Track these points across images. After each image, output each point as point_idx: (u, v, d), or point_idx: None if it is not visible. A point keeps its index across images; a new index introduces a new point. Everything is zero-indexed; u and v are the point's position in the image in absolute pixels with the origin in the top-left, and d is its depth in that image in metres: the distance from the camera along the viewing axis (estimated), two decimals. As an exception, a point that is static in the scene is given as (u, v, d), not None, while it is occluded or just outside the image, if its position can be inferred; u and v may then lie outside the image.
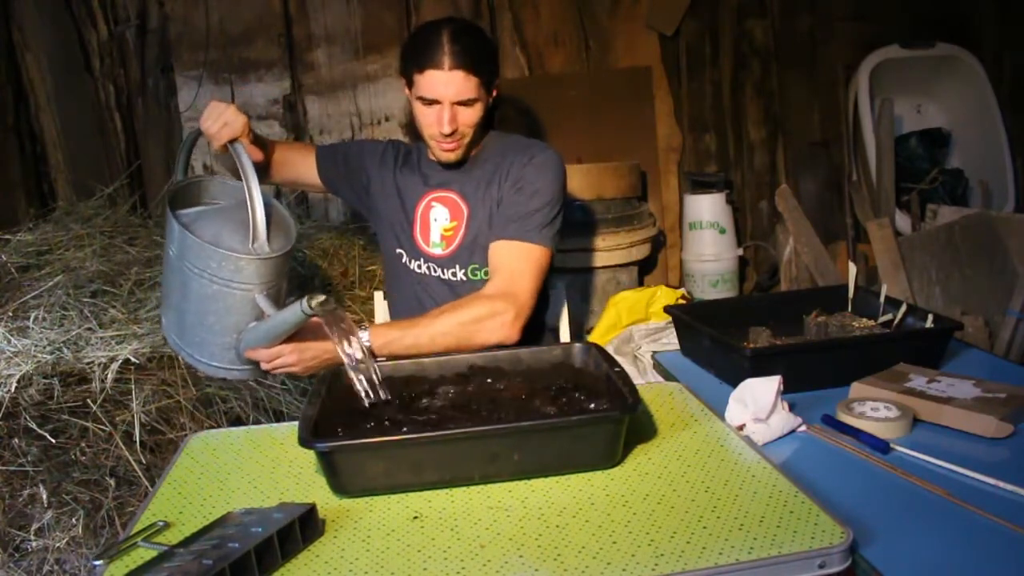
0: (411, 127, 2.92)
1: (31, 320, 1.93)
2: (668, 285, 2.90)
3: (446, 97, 1.54)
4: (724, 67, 3.47)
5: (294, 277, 2.39)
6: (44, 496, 1.73)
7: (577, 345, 1.38)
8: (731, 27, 3.44)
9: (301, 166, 1.80)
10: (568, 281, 2.33)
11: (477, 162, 1.69)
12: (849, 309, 1.66)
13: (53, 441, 1.74)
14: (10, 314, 1.96)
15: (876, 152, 3.21)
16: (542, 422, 1.10)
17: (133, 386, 1.83)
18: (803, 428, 1.25)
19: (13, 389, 1.72)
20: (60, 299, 2.01)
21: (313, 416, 1.13)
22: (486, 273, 1.65)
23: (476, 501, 1.04)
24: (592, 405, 1.17)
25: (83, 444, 1.78)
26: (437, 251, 1.70)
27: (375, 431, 1.14)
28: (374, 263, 2.63)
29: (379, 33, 3.25)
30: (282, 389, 2.04)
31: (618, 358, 1.90)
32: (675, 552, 0.89)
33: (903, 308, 1.54)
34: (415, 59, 1.56)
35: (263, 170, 1.66)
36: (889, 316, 1.55)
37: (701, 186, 3.42)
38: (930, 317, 1.48)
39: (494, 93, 1.63)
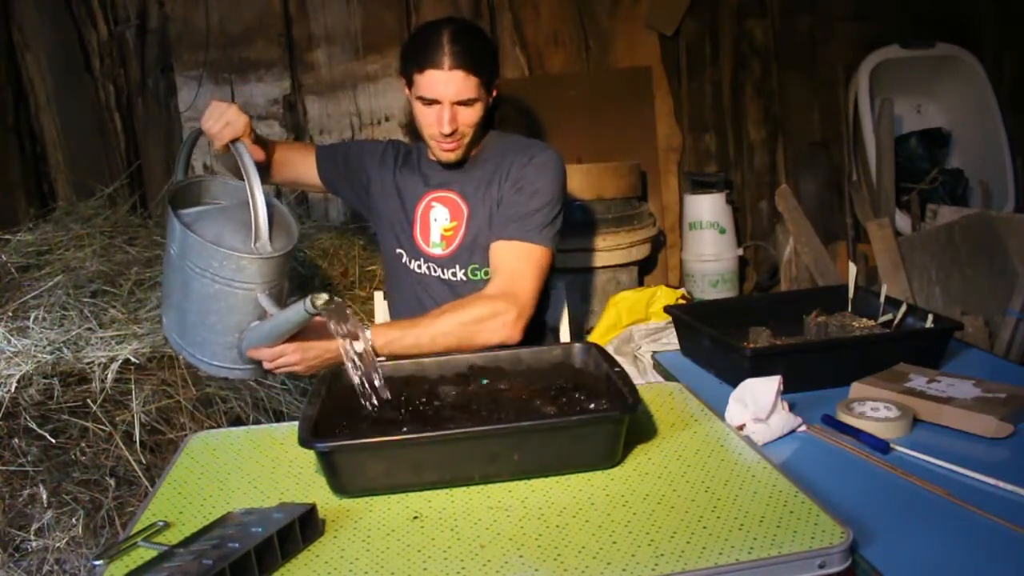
0: (411, 127, 2.92)
1: (31, 320, 1.93)
2: (668, 285, 2.90)
3: (446, 97, 1.54)
4: (724, 67, 3.48)
5: (294, 277, 2.39)
6: (44, 496, 1.73)
7: (577, 345, 1.38)
8: (731, 27, 3.44)
9: (301, 166, 1.80)
10: (568, 281, 2.33)
11: (477, 162, 1.69)
12: (849, 309, 1.66)
13: (53, 441, 1.74)
14: (10, 314, 1.96)
15: (876, 152, 3.21)
16: (542, 422, 1.10)
17: (133, 386, 1.83)
18: (803, 428, 1.25)
19: (13, 389, 1.72)
20: (60, 299, 2.01)
21: (313, 416, 1.13)
22: (486, 273, 1.65)
23: (476, 501, 1.04)
24: (592, 405, 1.17)
25: (83, 444, 1.78)
26: (437, 251, 1.70)
27: (375, 431, 1.14)
28: (374, 263, 2.63)
29: (379, 33, 3.25)
30: (282, 389, 2.04)
31: (618, 358, 1.90)
32: (675, 552, 0.89)
33: (903, 308, 1.54)
34: (415, 59, 1.56)
35: (264, 170, 1.66)
36: (889, 316, 1.55)
37: (701, 186, 3.42)
38: (930, 317, 1.48)
39: (494, 93, 1.63)
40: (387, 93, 3.28)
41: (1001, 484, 1.04)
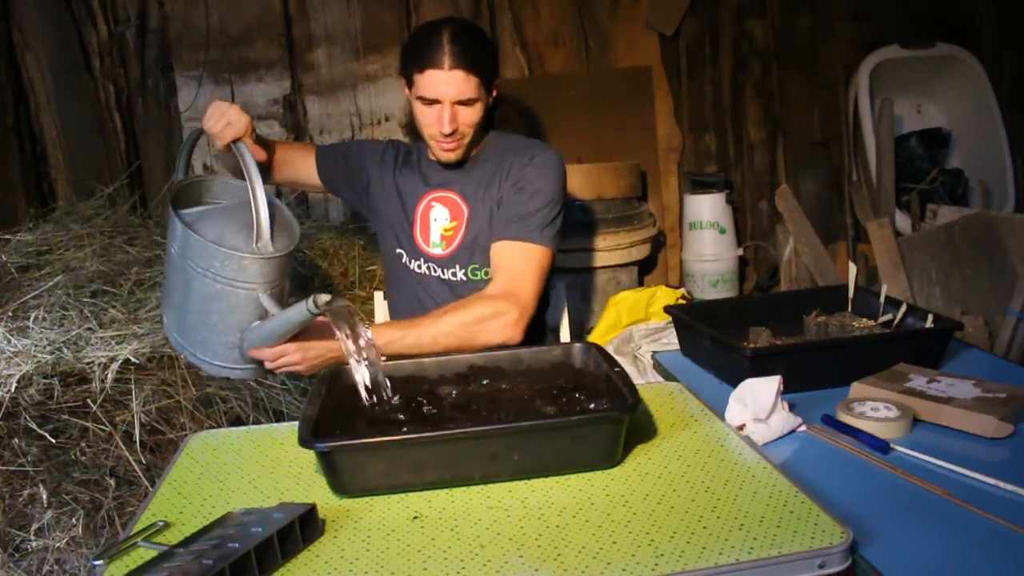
0: (411, 127, 2.92)
1: (31, 320, 1.93)
2: (668, 285, 2.90)
3: (446, 97, 1.54)
4: (724, 67, 3.48)
5: (294, 277, 2.39)
6: (44, 496, 1.73)
7: (577, 345, 1.37)
8: (731, 27, 3.44)
9: (301, 166, 1.80)
10: (568, 281, 2.33)
11: (477, 162, 1.69)
12: (849, 309, 1.66)
13: (53, 441, 1.74)
14: (10, 314, 1.96)
15: (876, 152, 3.21)
16: (542, 422, 1.10)
17: (133, 386, 1.83)
18: (803, 428, 1.25)
19: (13, 389, 1.72)
20: (60, 299, 2.01)
21: (313, 416, 1.13)
22: (486, 273, 1.65)
23: (476, 501, 1.04)
24: (592, 405, 1.17)
25: (83, 444, 1.78)
26: (437, 251, 1.70)
27: (375, 431, 1.14)
28: (374, 263, 2.63)
29: (379, 33, 3.25)
30: (282, 389, 2.04)
31: (618, 358, 1.90)
32: (675, 552, 0.89)
33: (903, 308, 1.54)
34: (415, 59, 1.56)
35: (265, 170, 1.66)
36: (889, 316, 1.55)
37: (701, 186, 3.42)
38: (930, 317, 1.48)
39: (494, 93, 1.63)
40: (387, 93, 3.28)
41: (1001, 484, 1.03)
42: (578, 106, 3.32)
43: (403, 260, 1.73)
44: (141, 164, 3.21)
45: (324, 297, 1.23)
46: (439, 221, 1.69)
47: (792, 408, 1.25)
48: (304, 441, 1.05)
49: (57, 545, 1.72)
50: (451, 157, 1.63)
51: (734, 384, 1.27)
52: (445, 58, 1.52)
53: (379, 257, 2.54)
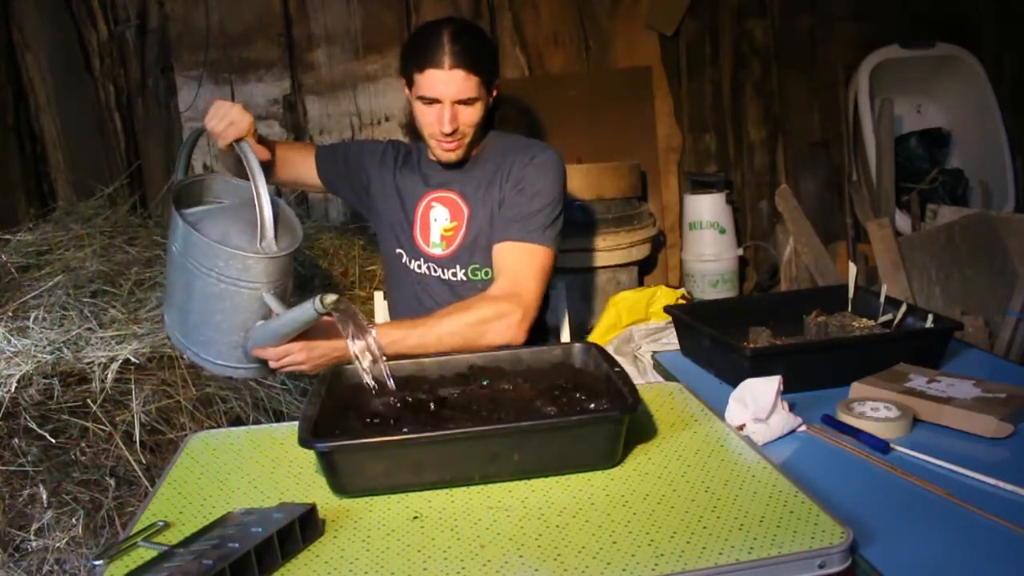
0: (411, 127, 2.91)
1: (31, 320, 1.93)
2: (668, 285, 2.90)
3: (446, 96, 1.54)
4: (724, 67, 3.48)
5: (294, 277, 2.39)
6: (44, 496, 1.73)
7: (577, 345, 1.37)
8: (731, 27, 3.44)
9: (301, 166, 1.80)
10: (568, 281, 2.33)
11: (477, 162, 1.69)
12: (849, 309, 1.66)
13: (53, 441, 1.74)
14: (10, 314, 1.96)
15: (876, 152, 3.21)
16: (542, 422, 1.10)
17: (133, 386, 1.83)
18: (803, 428, 1.25)
19: (13, 389, 1.72)
20: (60, 299, 2.01)
21: (313, 416, 1.13)
22: (486, 273, 1.65)
23: (476, 501, 1.04)
24: (592, 405, 1.17)
25: (83, 444, 1.78)
26: (437, 251, 1.70)
27: (375, 431, 1.14)
28: (374, 263, 2.63)
29: (379, 33, 3.25)
30: (282, 389, 2.04)
31: (618, 358, 1.90)
32: (675, 552, 0.89)
33: (903, 308, 1.54)
34: (415, 59, 1.56)
35: (267, 169, 1.66)
36: (889, 316, 1.55)
37: (701, 186, 3.42)
38: (930, 317, 1.48)
39: (494, 93, 1.63)
40: (387, 93, 3.28)
41: (1001, 484, 1.04)
42: (578, 106, 3.32)
43: (403, 260, 1.73)
44: (141, 164, 3.21)
45: (330, 297, 1.23)
46: (439, 221, 1.69)
47: (792, 408, 1.25)
48: (304, 441, 1.05)
49: (57, 545, 1.72)
50: (451, 157, 1.63)
51: (734, 384, 1.27)
52: (445, 58, 1.52)
53: (379, 257, 2.54)
